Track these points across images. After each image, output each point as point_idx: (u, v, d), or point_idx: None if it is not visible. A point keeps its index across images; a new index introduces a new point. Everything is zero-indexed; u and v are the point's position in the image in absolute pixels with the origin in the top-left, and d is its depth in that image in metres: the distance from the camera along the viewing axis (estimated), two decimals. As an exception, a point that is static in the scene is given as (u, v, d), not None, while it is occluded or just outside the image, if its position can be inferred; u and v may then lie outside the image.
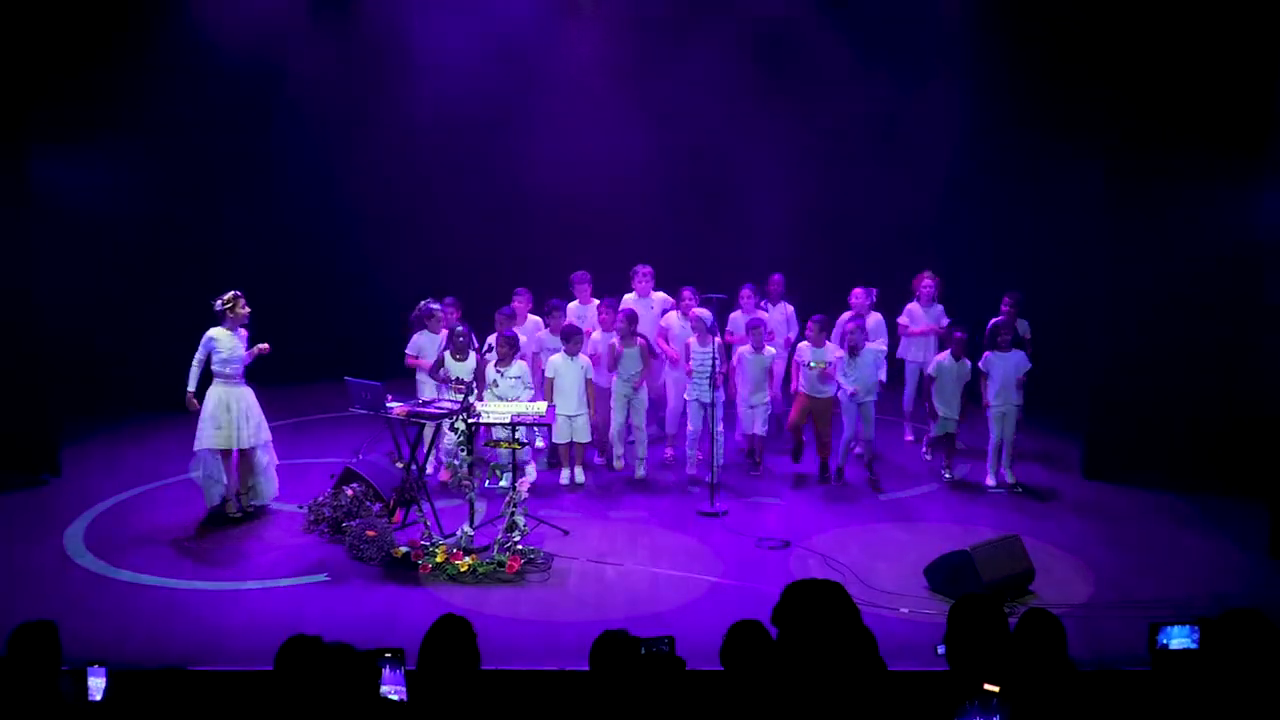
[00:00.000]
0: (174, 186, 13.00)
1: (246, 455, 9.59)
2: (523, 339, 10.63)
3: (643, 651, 4.63)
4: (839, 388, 10.47)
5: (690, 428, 10.68)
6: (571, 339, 10.44)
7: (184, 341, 9.61)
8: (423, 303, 10.85)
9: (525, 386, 10.07)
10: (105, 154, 12.36)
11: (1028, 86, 12.46)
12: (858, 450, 10.84)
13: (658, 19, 13.53)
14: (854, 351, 10.46)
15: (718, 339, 10.33)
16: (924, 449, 11.39)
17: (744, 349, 10.82)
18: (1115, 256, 10.46)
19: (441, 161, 13.78)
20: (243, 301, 9.50)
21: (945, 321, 11.40)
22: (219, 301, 9.45)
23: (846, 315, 11.16)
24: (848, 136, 13.54)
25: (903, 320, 11.72)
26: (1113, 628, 7.54)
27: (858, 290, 11.37)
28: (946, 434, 10.69)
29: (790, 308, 11.74)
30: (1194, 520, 9.79)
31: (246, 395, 9.52)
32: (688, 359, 10.56)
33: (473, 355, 10.29)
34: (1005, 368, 10.47)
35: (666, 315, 11.29)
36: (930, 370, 10.76)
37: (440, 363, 10.27)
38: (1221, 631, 4.54)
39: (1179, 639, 5.36)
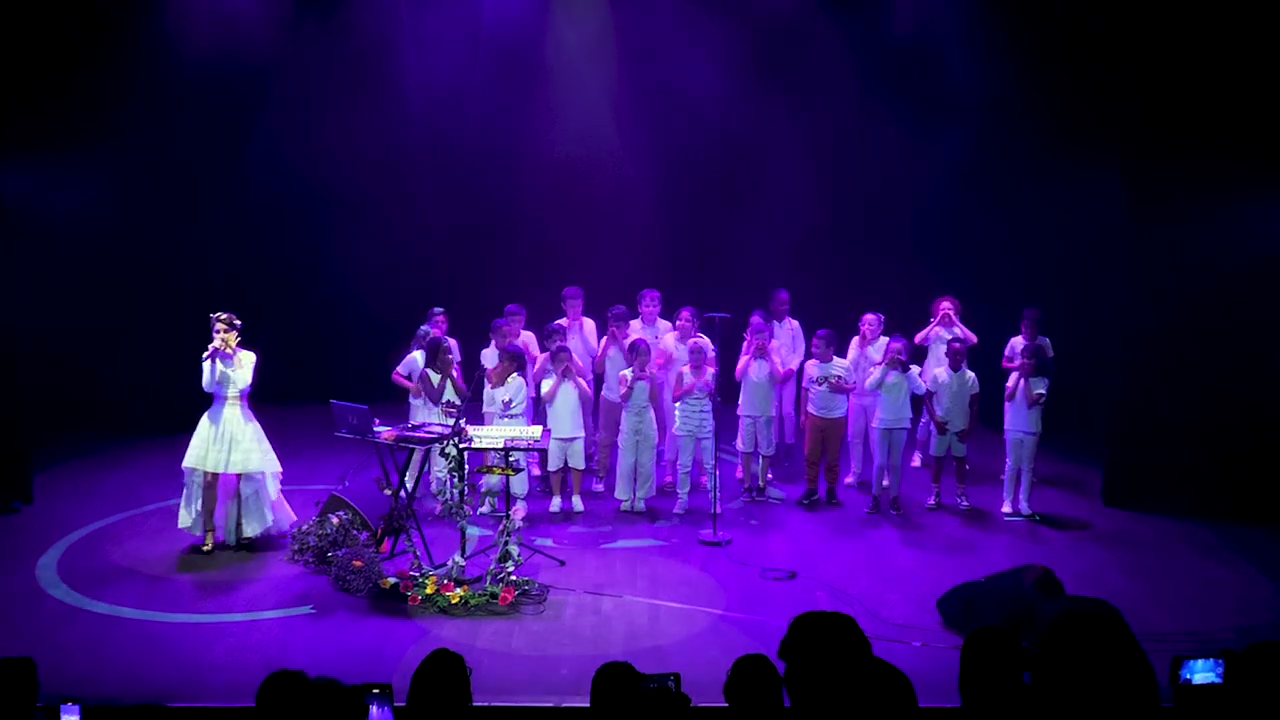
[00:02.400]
0: (150, 203, 12.63)
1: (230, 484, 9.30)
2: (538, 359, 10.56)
3: (649, 687, 4.57)
4: (863, 401, 10.28)
5: (680, 462, 10.39)
6: (559, 360, 10.16)
7: (162, 363, 9.36)
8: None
9: (521, 403, 10.01)
10: (80, 170, 12.03)
11: (1043, 90, 12.15)
12: (885, 481, 10.48)
13: (658, 19, 13.30)
14: (903, 366, 10.14)
15: (713, 370, 10.09)
16: (931, 494, 10.63)
17: (746, 357, 10.53)
18: (1134, 272, 10.29)
19: (430, 171, 13.60)
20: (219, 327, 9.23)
21: (974, 339, 11.04)
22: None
23: (894, 344, 10.40)
24: (854, 143, 13.33)
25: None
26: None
27: (869, 316, 10.98)
28: (957, 457, 10.41)
29: (796, 324, 11.40)
30: (1218, 549, 9.61)
31: (234, 419, 9.22)
32: (679, 387, 10.25)
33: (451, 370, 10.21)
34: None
35: (664, 338, 11.00)
36: (928, 385, 10.46)
37: (427, 380, 10.11)
38: (1247, 665, 4.50)
39: (1203, 673, 5.25)
